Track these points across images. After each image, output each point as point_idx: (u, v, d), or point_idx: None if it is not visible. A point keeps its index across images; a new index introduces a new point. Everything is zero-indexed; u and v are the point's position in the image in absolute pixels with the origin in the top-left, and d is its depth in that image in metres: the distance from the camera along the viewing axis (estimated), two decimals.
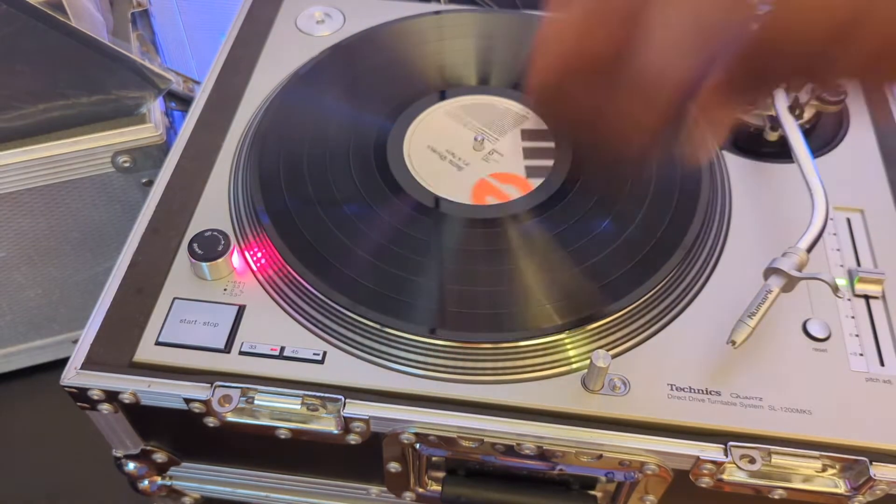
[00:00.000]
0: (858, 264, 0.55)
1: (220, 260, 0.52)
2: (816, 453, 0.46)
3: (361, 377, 0.48)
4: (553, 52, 0.37)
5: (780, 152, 0.60)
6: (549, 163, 0.59)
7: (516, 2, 0.77)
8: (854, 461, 0.46)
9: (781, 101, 0.58)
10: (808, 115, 0.60)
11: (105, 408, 0.50)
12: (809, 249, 0.49)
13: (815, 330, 0.51)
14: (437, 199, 0.57)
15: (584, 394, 0.48)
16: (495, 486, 0.53)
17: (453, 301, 0.51)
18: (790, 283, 0.48)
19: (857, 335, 0.51)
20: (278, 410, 0.48)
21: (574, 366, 0.49)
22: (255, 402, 0.48)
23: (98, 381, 0.48)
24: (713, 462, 0.46)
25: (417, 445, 0.49)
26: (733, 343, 0.47)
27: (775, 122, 0.59)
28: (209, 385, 0.48)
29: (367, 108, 0.63)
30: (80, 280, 0.73)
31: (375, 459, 0.52)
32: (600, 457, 0.47)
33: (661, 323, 0.51)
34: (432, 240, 0.54)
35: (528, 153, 0.60)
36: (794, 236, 0.50)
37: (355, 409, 0.47)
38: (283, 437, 0.49)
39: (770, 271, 0.49)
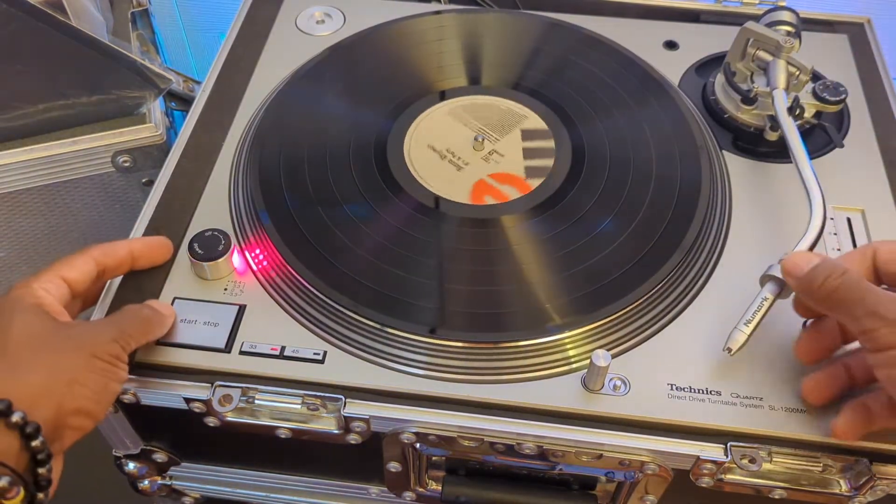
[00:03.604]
0: None
1: (220, 260, 0.52)
2: (817, 453, 0.46)
3: (362, 377, 0.48)
4: None
5: (780, 152, 0.61)
6: (549, 163, 0.59)
7: (516, 2, 0.77)
8: (854, 461, 0.46)
9: (781, 101, 0.57)
10: (808, 115, 0.60)
11: None
12: None
13: None
14: (437, 199, 0.57)
15: (584, 394, 0.48)
16: (495, 486, 0.53)
17: (453, 301, 0.51)
18: (786, 291, 0.48)
19: None
20: (278, 410, 0.48)
21: (574, 366, 0.49)
22: (256, 401, 0.48)
23: None
24: (713, 462, 0.46)
25: (417, 445, 0.49)
26: (729, 350, 0.47)
27: (775, 122, 0.59)
28: (209, 385, 0.48)
29: (368, 108, 0.63)
30: None
31: (375, 459, 0.52)
32: (600, 457, 0.47)
33: (661, 323, 0.51)
34: (432, 239, 0.54)
35: (528, 153, 0.60)
36: (795, 236, 0.50)
37: (355, 408, 0.47)
38: (283, 436, 0.49)
39: (766, 278, 0.49)
